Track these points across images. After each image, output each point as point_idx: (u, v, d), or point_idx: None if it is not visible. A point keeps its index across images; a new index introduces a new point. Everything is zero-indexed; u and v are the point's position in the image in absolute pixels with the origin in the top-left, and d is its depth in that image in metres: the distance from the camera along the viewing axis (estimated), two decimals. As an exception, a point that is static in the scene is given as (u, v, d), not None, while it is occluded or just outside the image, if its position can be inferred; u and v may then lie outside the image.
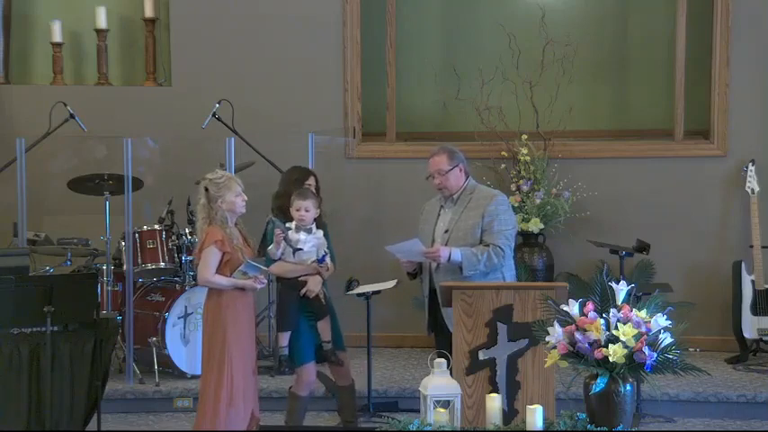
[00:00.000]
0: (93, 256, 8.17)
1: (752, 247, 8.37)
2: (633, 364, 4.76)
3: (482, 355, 5.74)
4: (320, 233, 6.49)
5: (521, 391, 5.72)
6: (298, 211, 6.42)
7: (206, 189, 6.21)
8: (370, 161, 8.96)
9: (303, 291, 6.45)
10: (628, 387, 4.82)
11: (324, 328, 6.53)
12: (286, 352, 6.54)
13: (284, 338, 6.53)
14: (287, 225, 6.44)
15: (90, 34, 9.23)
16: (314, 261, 6.47)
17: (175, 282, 8.13)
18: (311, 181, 6.68)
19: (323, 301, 6.54)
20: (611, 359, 4.74)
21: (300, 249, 6.42)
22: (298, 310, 6.51)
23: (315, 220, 6.50)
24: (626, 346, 4.74)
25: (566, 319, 4.90)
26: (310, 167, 8.28)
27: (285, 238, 6.38)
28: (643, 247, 7.83)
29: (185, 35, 9.01)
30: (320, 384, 7.49)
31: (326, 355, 6.57)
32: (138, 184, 8.10)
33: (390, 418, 7.00)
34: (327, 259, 6.52)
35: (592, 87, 9.21)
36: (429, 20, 9.35)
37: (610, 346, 4.75)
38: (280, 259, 6.45)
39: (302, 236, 6.43)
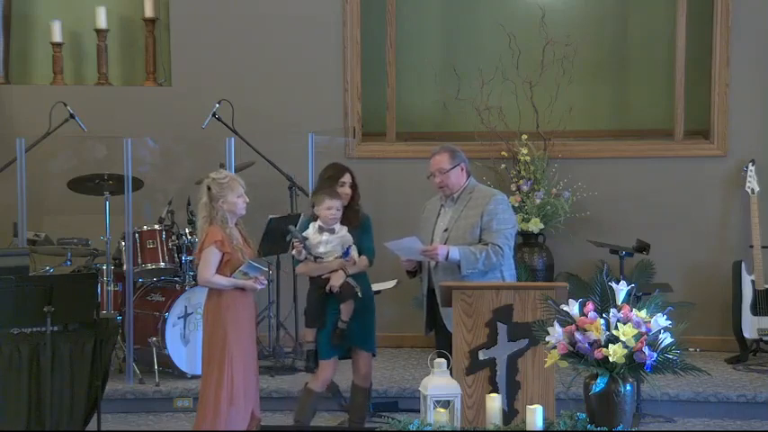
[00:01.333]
0: (93, 256, 8.16)
1: (752, 247, 8.37)
2: (633, 364, 4.77)
3: (482, 355, 5.74)
4: (344, 230, 6.49)
5: (521, 391, 5.72)
6: (328, 209, 6.43)
7: (208, 188, 6.21)
8: (370, 161, 8.96)
9: (327, 287, 6.46)
10: (628, 387, 4.82)
11: (346, 309, 6.50)
12: (313, 347, 6.54)
13: (310, 334, 6.53)
14: (304, 235, 6.44)
15: (90, 34, 9.23)
16: (338, 257, 6.47)
17: (175, 282, 8.13)
18: (346, 178, 6.64)
19: (353, 289, 6.48)
20: (611, 359, 4.74)
21: (321, 258, 6.43)
22: (324, 308, 6.51)
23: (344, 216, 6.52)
24: (626, 346, 4.74)
25: (566, 319, 4.90)
26: (311, 167, 8.31)
27: (305, 247, 6.40)
28: (643, 247, 7.83)
29: (185, 35, 9.01)
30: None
31: (336, 332, 6.49)
32: (138, 184, 8.10)
33: (390, 418, 7.00)
34: (353, 252, 6.49)
35: (592, 87, 9.21)
36: (429, 20, 9.35)
37: (610, 346, 4.75)
38: (305, 259, 6.47)
39: (325, 237, 6.43)
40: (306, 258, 6.46)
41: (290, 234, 6.47)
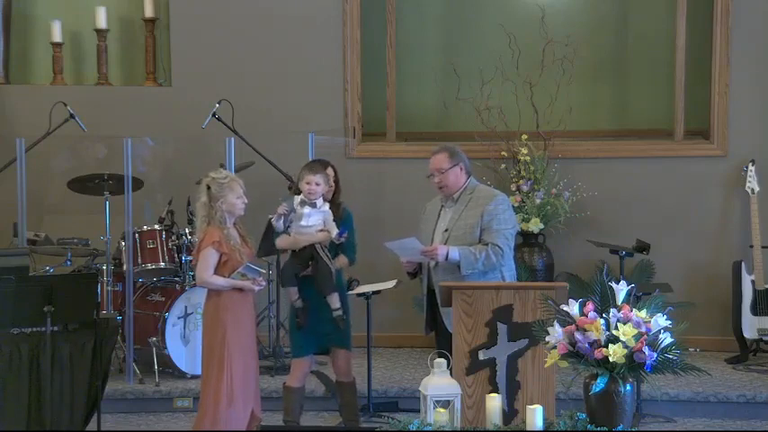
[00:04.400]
0: (93, 256, 8.16)
1: (752, 247, 8.37)
2: (633, 364, 4.76)
3: (482, 355, 5.74)
4: (326, 206, 6.50)
5: (521, 391, 5.72)
6: (308, 184, 6.43)
7: (208, 187, 6.21)
8: (370, 161, 8.97)
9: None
10: (628, 387, 4.82)
11: (332, 300, 6.50)
12: (301, 304, 6.51)
13: (294, 292, 6.52)
14: (296, 201, 6.46)
15: (90, 34, 9.23)
16: (321, 230, 6.45)
17: (175, 282, 8.13)
18: (328, 172, 6.64)
19: (328, 268, 6.49)
20: (611, 359, 4.74)
21: (302, 225, 6.44)
22: (298, 269, 6.51)
23: (330, 201, 6.55)
24: (626, 346, 4.74)
25: (566, 319, 4.90)
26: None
27: (285, 216, 6.42)
28: (643, 247, 7.83)
29: (185, 35, 9.01)
30: (320, 384, 7.51)
31: (336, 321, 6.50)
32: (138, 184, 8.10)
33: (390, 418, 7.01)
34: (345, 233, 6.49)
35: (592, 87, 9.21)
36: (429, 20, 9.35)
37: (610, 346, 4.75)
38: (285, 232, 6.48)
39: (306, 210, 6.43)
40: (288, 229, 6.45)
41: (282, 198, 6.48)
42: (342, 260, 6.63)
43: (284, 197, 6.62)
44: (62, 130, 8.22)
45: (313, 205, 6.45)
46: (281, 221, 6.46)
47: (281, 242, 6.57)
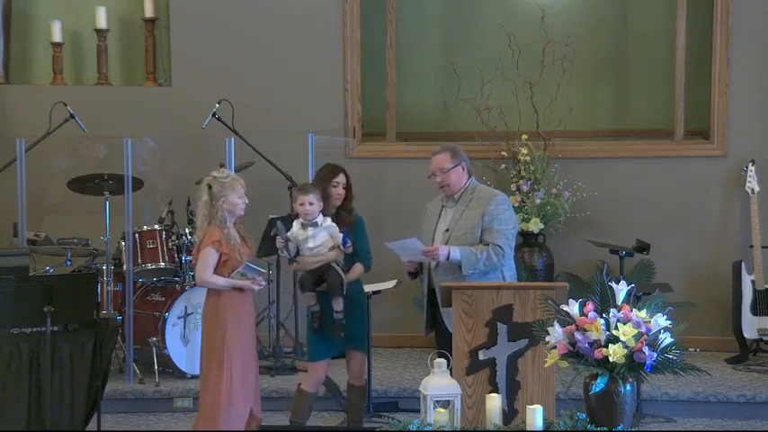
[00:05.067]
0: (93, 256, 8.16)
1: (752, 247, 8.37)
2: (633, 364, 4.77)
3: (482, 355, 5.74)
4: (328, 220, 6.46)
5: (521, 391, 5.72)
6: (301, 205, 6.40)
7: (209, 186, 6.20)
8: (370, 161, 8.96)
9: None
10: (628, 387, 4.82)
11: (336, 303, 6.47)
12: (317, 308, 6.47)
13: (311, 297, 6.47)
14: (288, 235, 6.42)
15: (90, 34, 9.23)
16: (333, 246, 6.43)
17: (175, 282, 8.13)
18: (340, 178, 6.62)
19: (340, 277, 6.46)
20: (611, 359, 4.74)
21: (302, 255, 6.41)
22: (312, 282, 6.49)
23: (333, 212, 6.51)
24: (626, 346, 4.74)
25: (566, 319, 4.90)
26: (311, 167, 8.30)
27: (286, 246, 6.39)
28: (643, 247, 7.84)
29: (185, 35, 9.01)
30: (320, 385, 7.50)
31: (334, 325, 6.48)
32: (138, 184, 8.10)
33: (390, 418, 7.01)
34: (350, 241, 6.46)
35: (592, 87, 9.21)
36: (429, 20, 9.35)
37: (610, 346, 4.75)
38: (291, 258, 6.46)
39: (310, 231, 6.41)
40: (291, 257, 6.44)
41: (275, 230, 6.47)
42: (357, 269, 6.59)
43: (274, 230, 6.56)
44: (62, 130, 8.23)
45: (314, 225, 6.42)
46: (285, 252, 6.43)
47: (297, 266, 6.54)
